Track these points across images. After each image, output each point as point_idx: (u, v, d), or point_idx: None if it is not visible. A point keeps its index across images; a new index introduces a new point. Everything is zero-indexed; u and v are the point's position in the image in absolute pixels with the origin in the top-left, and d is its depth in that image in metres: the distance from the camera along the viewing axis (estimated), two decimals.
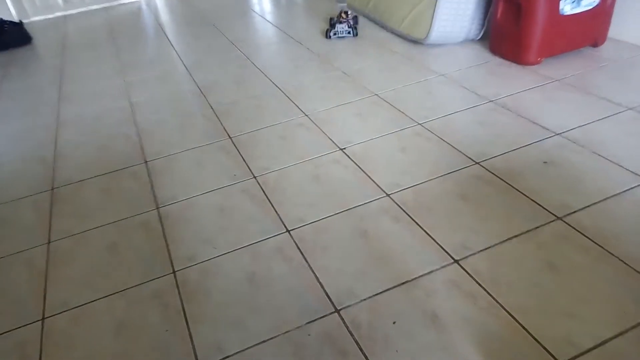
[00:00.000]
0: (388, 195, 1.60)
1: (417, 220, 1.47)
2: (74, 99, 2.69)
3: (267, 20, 3.69)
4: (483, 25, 2.66)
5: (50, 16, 4.64)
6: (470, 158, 1.73)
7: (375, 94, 2.27)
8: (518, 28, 2.29)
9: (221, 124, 2.20)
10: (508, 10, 2.35)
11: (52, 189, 1.87)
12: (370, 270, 1.32)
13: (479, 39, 2.72)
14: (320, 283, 1.30)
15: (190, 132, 2.17)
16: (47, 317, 1.30)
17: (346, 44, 2.96)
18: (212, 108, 2.36)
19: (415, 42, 2.80)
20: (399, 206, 1.54)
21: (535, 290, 1.20)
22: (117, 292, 1.35)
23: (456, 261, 1.31)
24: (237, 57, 3.00)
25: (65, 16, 4.59)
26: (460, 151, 1.77)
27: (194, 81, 2.71)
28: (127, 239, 1.56)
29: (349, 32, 3.04)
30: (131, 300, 1.32)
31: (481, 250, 1.34)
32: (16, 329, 1.28)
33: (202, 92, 2.55)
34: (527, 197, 1.51)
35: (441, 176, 1.65)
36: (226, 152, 1.97)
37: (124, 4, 4.82)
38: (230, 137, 2.08)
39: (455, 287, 1.23)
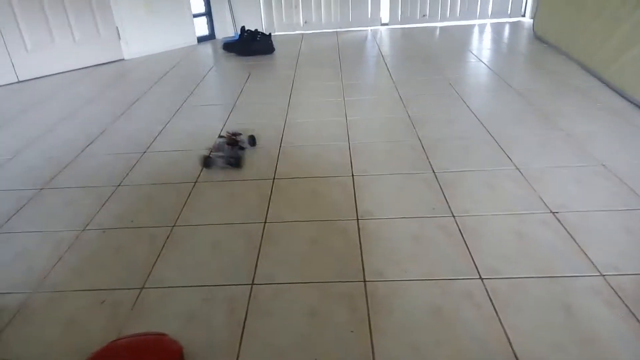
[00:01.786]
0: (602, 275, 1.44)
1: (635, 313, 1.30)
2: (299, 107, 3.07)
3: (486, 65, 3.68)
4: None
5: (291, 33, 5.38)
6: None
7: (602, 164, 2.08)
8: None
9: (427, 157, 2.27)
10: None
11: (273, 179, 2.16)
12: (570, 349, 1.21)
13: None
14: (509, 341, 1.25)
15: (396, 158, 2.28)
16: (255, 284, 1.51)
17: (573, 105, 2.77)
18: (420, 140, 2.45)
19: None
20: (615, 292, 1.38)
21: None
22: (313, 282, 1.50)
23: None
24: (451, 95, 3.05)
25: (302, 34, 5.28)
26: None
27: (406, 111, 2.84)
28: (327, 238, 1.72)
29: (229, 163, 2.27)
30: (324, 293, 1.45)
31: None
32: (231, 285, 1.52)
33: (412, 123, 2.66)
34: None
35: None
36: (428, 185, 2.02)
37: (352, 30, 5.33)
38: (434, 172, 2.13)
39: None
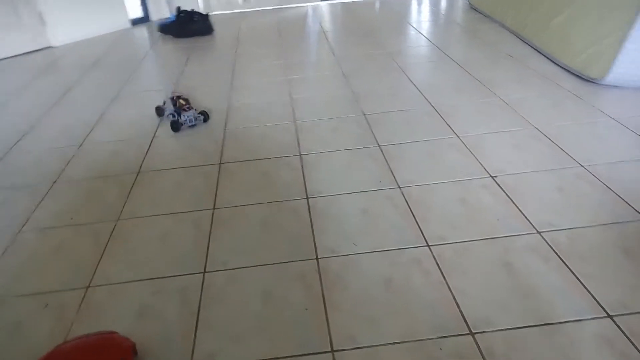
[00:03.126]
0: (539, 232, 1.54)
1: (569, 265, 1.39)
2: (243, 88, 3.00)
3: (426, 37, 3.74)
4: None
5: (230, 12, 5.22)
6: (638, 212, 1.58)
7: (536, 128, 2.18)
8: None
9: (372, 131, 2.29)
10: None
11: (220, 163, 2.12)
12: (511, 303, 1.29)
13: None
14: (456, 303, 1.31)
15: (342, 134, 2.30)
16: (207, 272, 1.49)
17: (507, 72, 2.88)
18: (364, 115, 2.47)
19: (588, 80, 2.62)
20: (550, 246, 1.47)
21: None
22: (267, 264, 1.50)
23: (610, 317, 1.22)
24: (393, 69, 3.09)
25: (241, 13, 5.13)
26: (627, 202, 1.63)
27: (350, 87, 2.85)
28: (278, 220, 1.71)
29: (197, 119, 2.49)
30: (278, 274, 1.46)
31: None
32: (182, 275, 1.49)
33: (356, 99, 2.68)
34: None
35: (602, 225, 1.54)
36: (374, 159, 2.06)
37: (293, 7, 5.24)
38: (379, 145, 2.16)
39: (607, 344, 1.15)
